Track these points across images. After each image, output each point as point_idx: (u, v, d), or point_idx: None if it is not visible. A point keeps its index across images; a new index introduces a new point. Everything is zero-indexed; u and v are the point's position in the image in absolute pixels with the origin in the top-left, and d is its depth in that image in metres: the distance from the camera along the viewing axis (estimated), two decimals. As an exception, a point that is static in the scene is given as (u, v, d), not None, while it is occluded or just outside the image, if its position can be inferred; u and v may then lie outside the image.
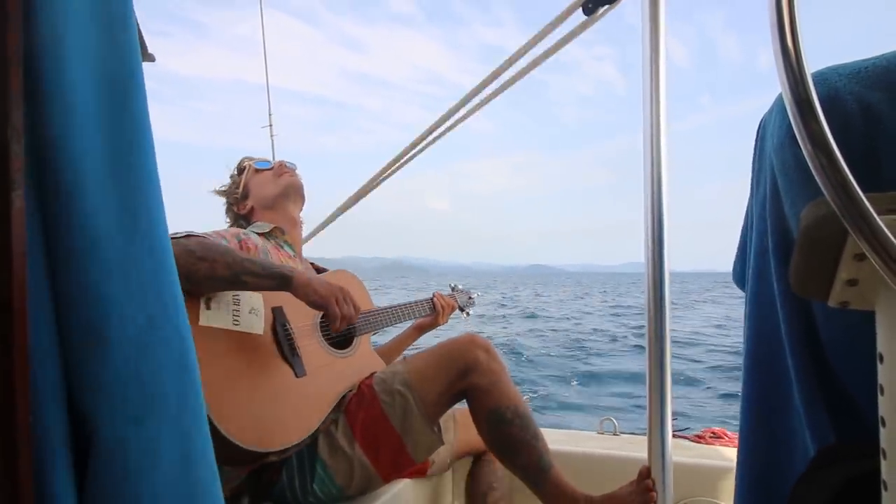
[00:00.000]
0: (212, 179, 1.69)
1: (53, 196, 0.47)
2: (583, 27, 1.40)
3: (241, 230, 1.42)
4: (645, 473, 1.24)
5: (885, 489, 0.48)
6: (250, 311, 1.26)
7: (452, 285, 1.99)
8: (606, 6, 1.35)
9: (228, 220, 1.65)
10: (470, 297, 2.01)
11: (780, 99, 0.70)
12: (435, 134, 1.70)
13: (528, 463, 1.30)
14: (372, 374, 1.42)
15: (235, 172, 1.66)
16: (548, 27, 1.43)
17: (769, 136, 0.73)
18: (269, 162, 1.64)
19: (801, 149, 0.41)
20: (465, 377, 1.32)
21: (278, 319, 1.31)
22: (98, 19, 0.51)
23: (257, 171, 1.61)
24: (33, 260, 0.46)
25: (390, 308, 1.63)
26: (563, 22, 1.41)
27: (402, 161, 1.79)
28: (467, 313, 1.99)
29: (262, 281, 1.20)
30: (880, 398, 0.48)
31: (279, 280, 1.22)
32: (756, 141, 0.79)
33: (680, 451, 1.70)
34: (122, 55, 0.52)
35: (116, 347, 0.48)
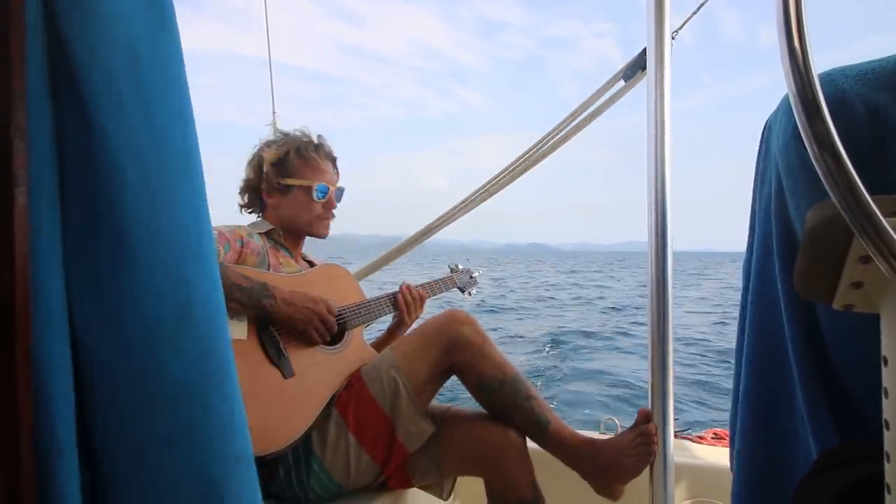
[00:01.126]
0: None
1: (144, 190, 0.50)
2: (623, 91, 1.55)
3: (246, 231, 1.41)
4: (644, 418, 1.27)
5: (889, 492, 0.48)
6: (232, 316, 1.25)
7: (452, 266, 1.93)
8: (641, 71, 1.47)
9: (245, 198, 1.55)
10: (471, 277, 1.95)
11: (785, 101, 0.70)
12: (482, 194, 1.79)
13: (525, 423, 1.34)
14: (360, 368, 1.41)
15: (294, 156, 1.50)
16: (593, 96, 1.59)
17: (774, 137, 0.72)
18: (326, 190, 1.53)
19: (806, 150, 0.41)
20: (450, 354, 1.34)
21: (263, 321, 1.31)
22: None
23: (308, 191, 1.50)
24: (50, 248, 0.47)
25: (381, 298, 1.60)
26: (608, 90, 1.56)
27: (457, 212, 1.84)
28: (469, 293, 1.94)
29: (245, 310, 1.26)
30: (885, 401, 0.47)
31: (261, 312, 1.27)
32: (761, 142, 0.79)
33: (681, 452, 1.70)
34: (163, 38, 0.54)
35: (201, 323, 0.53)
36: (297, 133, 1.56)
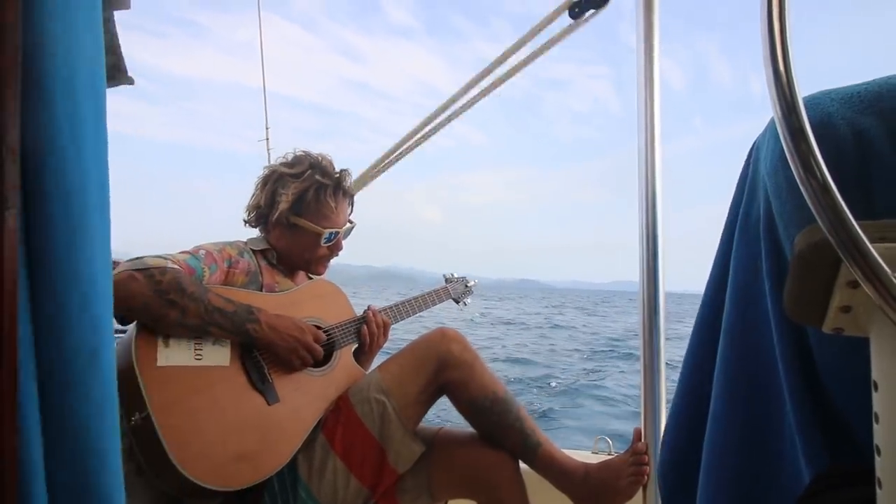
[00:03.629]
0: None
1: (65, 226, 0.48)
2: (568, 31, 1.43)
3: (236, 249, 1.39)
4: (640, 436, 1.27)
5: (881, 518, 0.47)
6: (215, 341, 1.23)
7: (447, 276, 1.88)
8: (592, 10, 1.38)
9: (251, 217, 1.51)
10: (466, 286, 1.89)
11: (772, 122, 0.71)
12: (418, 136, 1.71)
13: (515, 445, 1.33)
14: (348, 389, 1.39)
15: (311, 196, 1.44)
16: (533, 30, 1.46)
17: (762, 158, 0.73)
18: (335, 236, 1.50)
19: (793, 173, 0.41)
20: (441, 373, 1.33)
21: (246, 346, 1.29)
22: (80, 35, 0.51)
23: (317, 236, 1.47)
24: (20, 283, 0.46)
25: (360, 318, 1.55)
26: (548, 25, 1.44)
27: (384, 164, 1.77)
28: (464, 303, 1.88)
29: (228, 335, 1.24)
30: (875, 427, 0.47)
31: (244, 337, 1.25)
32: (747, 163, 0.79)
33: None
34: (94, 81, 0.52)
35: (107, 368, 0.51)
36: (319, 169, 1.47)
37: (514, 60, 1.53)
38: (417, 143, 1.73)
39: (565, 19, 1.43)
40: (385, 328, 1.54)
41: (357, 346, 1.52)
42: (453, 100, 1.64)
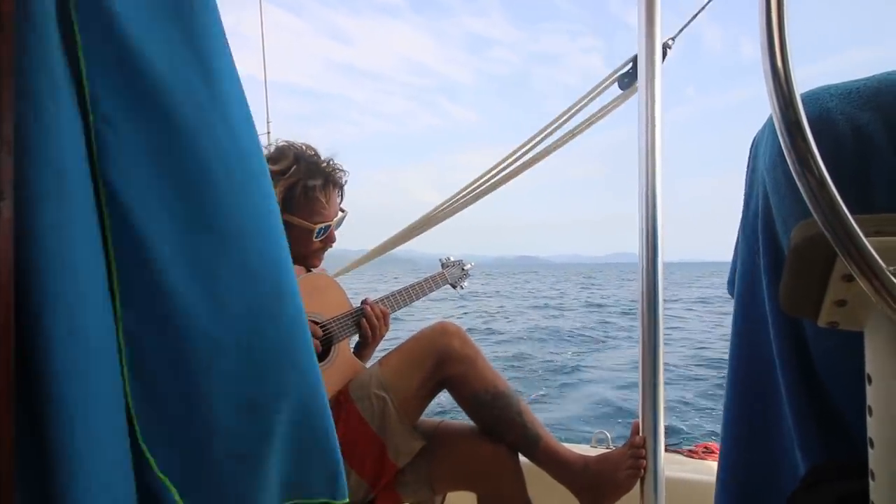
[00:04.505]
0: None
1: (230, 188, 0.56)
2: (619, 101, 1.46)
3: None
4: (637, 430, 1.27)
5: (874, 510, 0.48)
6: None
7: (443, 260, 1.86)
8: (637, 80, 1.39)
9: None
10: (463, 269, 1.86)
11: (771, 119, 0.71)
12: (469, 196, 1.72)
13: (516, 439, 1.33)
14: (348, 383, 1.38)
15: (300, 193, 1.40)
16: (583, 100, 1.49)
17: (761, 154, 0.73)
18: (327, 229, 1.47)
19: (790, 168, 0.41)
20: (441, 368, 1.32)
21: None
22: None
23: (309, 232, 1.43)
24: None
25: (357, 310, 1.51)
26: (598, 95, 1.47)
27: (432, 222, 1.79)
28: (461, 287, 1.85)
29: None
30: (869, 419, 0.48)
31: None
32: (749, 159, 0.79)
33: (672, 466, 1.69)
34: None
35: (293, 298, 0.62)
36: (304, 162, 1.42)
37: (562, 131, 1.54)
38: (459, 209, 1.75)
39: (615, 90, 1.46)
40: (385, 317, 1.51)
41: (357, 338, 1.51)
42: (497, 171, 1.63)
